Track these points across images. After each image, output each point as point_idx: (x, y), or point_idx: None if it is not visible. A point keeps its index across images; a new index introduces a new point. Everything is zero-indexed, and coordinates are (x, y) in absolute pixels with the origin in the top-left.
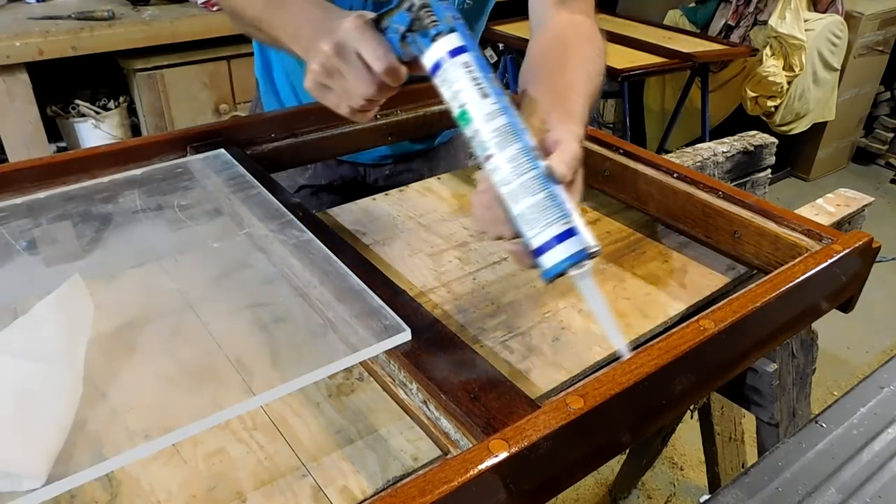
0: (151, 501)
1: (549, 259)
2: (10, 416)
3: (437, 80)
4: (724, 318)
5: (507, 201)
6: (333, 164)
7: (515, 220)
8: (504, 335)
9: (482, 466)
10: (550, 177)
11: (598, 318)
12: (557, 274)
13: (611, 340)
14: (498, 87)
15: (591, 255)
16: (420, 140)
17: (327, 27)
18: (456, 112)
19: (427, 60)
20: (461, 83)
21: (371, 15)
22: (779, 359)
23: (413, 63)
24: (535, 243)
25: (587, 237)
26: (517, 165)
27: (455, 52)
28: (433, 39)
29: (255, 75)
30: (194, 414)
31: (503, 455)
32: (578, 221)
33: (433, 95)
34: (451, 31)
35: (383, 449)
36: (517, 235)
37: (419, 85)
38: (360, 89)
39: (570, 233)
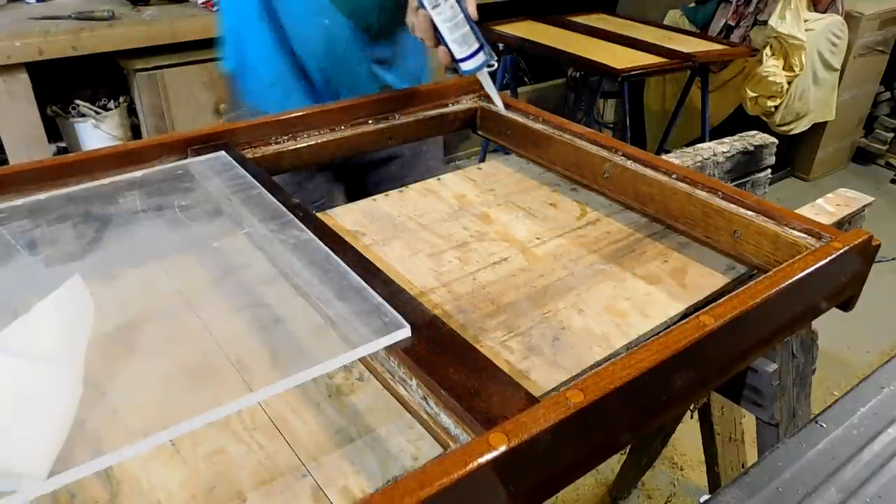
0: (152, 501)
1: (471, 63)
2: (10, 416)
3: None
4: (724, 314)
5: (448, 30)
6: None
7: (451, 41)
8: (504, 335)
9: (482, 460)
10: (470, 16)
11: (487, 90)
12: (475, 71)
13: (494, 101)
14: None
15: (491, 62)
16: None
17: None
18: None
19: None
20: None
21: None
22: (779, 359)
23: None
24: (462, 54)
25: (490, 52)
26: (454, 10)
27: None
28: None
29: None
30: (194, 414)
31: (503, 448)
32: (484, 42)
33: (430, 100)
34: None
35: (383, 449)
36: (437, 45)
37: (418, 89)
38: None
39: (481, 49)
